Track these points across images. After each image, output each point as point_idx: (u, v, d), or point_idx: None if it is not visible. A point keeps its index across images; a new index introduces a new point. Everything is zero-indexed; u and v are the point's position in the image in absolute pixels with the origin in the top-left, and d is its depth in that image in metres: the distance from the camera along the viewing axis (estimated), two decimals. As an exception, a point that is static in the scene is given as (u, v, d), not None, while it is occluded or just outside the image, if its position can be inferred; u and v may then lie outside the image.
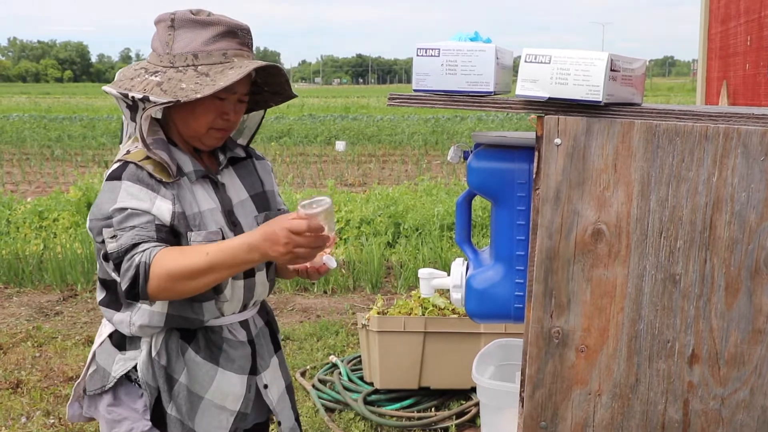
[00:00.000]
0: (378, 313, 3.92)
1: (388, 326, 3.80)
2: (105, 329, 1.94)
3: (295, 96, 2.01)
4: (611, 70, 1.47)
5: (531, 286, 1.59)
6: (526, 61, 1.51)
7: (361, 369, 4.16)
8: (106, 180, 1.79)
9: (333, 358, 4.38)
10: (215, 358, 1.89)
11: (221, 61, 1.78)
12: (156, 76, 1.78)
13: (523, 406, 1.64)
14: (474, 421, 3.68)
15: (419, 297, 4.00)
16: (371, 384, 3.94)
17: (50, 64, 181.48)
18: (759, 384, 1.54)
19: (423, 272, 2.01)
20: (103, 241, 1.75)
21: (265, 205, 2.01)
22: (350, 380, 4.07)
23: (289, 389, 2.09)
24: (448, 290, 1.94)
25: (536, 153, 1.56)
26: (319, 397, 3.94)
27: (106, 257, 1.76)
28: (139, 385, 1.87)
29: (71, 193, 7.88)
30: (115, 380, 1.88)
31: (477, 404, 3.68)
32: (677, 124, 1.49)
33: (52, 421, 3.76)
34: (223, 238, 1.82)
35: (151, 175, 1.77)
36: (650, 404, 1.58)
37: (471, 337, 3.77)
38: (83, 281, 6.16)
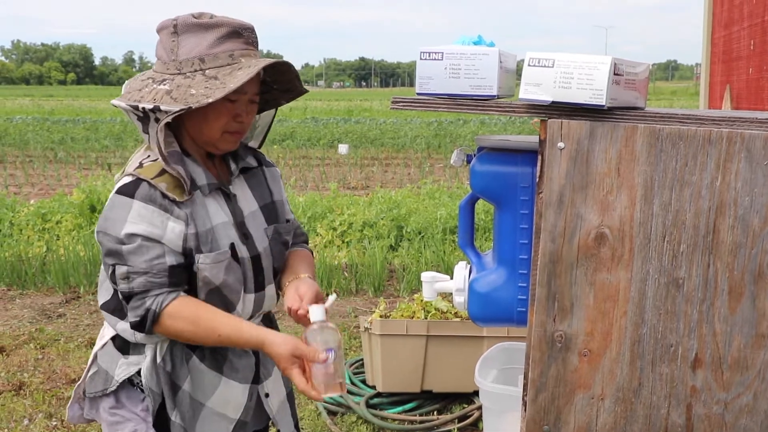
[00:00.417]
0: (380, 316, 3.92)
1: (391, 329, 3.80)
2: (107, 331, 1.93)
3: (306, 91, 1.97)
4: (614, 74, 1.48)
5: (534, 289, 1.59)
6: (529, 65, 1.51)
7: (363, 372, 4.16)
8: (117, 193, 1.76)
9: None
10: (219, 366, 1.88)
11: (228, 63, 1.75)
12: (164, 85, 1.75)
13: (525, 409, 1.63)
14: (476, 424, 3.67)
15: (422, 300, 4.00)
16: (373, 387, 3.94)
17: (53, 66, 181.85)
18: (762, 389, 1.54)
19: (426, 275, 2.01)
20: (113, 266, 1.76)
21: (274, 216, 1.98)
22: (353, 383, 4.06)
23: (290, 396, 2.09)
24: (451, 294, 1.94)
25: (539, 156, 1.56)
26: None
27: (114, 282, 1.78)
28: (141, 389, 1.87)
29: (74, 195, 7.89)
30: (118, 384, 1.87)
31: (479, 408, 3.67)
32: (680, 128, 1.49)
33: (55, 423, 3.76)
34: (234, 255, 1.82)
35: (164, 195, 1.74)
36: (653, 408, 1.58)
37: (474, 341, 3.77)
38: (86, 283, 6.17)
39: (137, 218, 1.73)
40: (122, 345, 1.88)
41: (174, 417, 1.84)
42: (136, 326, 1.77)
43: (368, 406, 3.82)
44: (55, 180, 13.52)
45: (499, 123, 24.19)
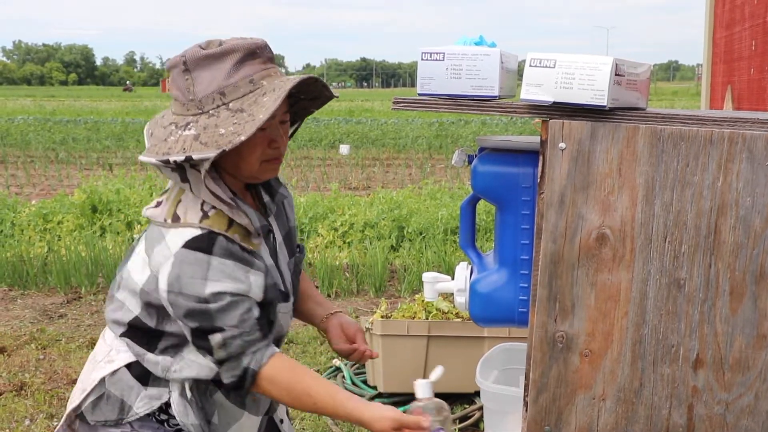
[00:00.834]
0: (381, 316, 3.93)
1: (392, 330, 3.80)
2: (120, 356, 1.78)
3: (335, 96, 1.84)
4: (616, 74, 1.48)
5: (535, 290, 1.59)
6: (530, 66, 1.51)
7: (364, 373, 4.16)
8: (188, 248, 1.63)
9: (336, 362, 4.37)
10: (242, 402, 1.83)
11: (251, 90, 1.62)
12: (190, 130, 1.62)
13: (527, 410, 1.63)
14: (478, 425, 3.67)
15: (423, 301, 4.00)
16: (375, 388, 3.94)
17: (55, 67, 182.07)
18: (764, 389, 1.54)
19: (427, 276, 2.01)
20: (199, 330, 1.65)
21: (291, 247, 1.91)
22: (354, 384, 4.06)
23: (288, 413, 2.09)
24: (452, 294, 1.94)
25: (541, 157, 1.56)
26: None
27: (204, 348, 1.68)
28: (157, 419, 1.77)
29: (76, 195, 7.89)
30: (138, 416, 1.76)
31: (481, 408, 3.67)
32: (682, 129, 1.49)
33: (56, 424, 3.76)
34: (284, 292, 1.79)
35: (242, 248, 1.66)
36: (654, 409, 1.58)
37: (475, 341, 3.76)
38: (87, 284, 6.17)
39: (219, 275, 1.63)
40: (141, 375, 1.76)
41: None
42: (234, 386, 1.69)
43: (369, 406, 3.82)
44: (57, 180, 13.53)
45: (501, 123, 24.18)
